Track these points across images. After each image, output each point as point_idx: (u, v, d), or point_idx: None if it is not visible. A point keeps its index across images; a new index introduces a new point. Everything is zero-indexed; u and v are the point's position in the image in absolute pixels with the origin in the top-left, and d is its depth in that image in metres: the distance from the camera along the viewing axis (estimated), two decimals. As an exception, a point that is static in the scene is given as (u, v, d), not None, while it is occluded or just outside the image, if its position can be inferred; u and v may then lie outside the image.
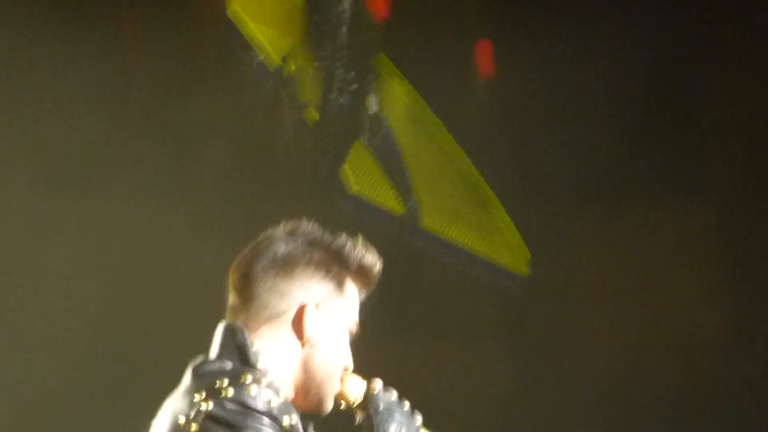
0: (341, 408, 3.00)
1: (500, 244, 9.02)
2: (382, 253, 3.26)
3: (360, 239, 3.04)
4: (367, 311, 3.03)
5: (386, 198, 8.86)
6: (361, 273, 3.02)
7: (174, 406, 2.76)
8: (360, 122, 8.95)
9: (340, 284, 2.97)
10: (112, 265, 7.73)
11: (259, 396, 2.71)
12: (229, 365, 2.78)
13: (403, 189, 9.17)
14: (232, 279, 2.92)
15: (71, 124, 8.08)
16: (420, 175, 9.15)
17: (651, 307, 8.59)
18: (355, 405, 3.01)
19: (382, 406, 3.04)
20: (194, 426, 2.66)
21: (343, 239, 2.97)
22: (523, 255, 8.58)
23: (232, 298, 2.93)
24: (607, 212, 8.90)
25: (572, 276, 8.86)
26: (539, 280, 8.60)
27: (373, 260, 3.01)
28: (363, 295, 3.05)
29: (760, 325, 8.60)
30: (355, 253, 2.98)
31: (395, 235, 8.60)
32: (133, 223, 7.80)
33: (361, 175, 8.70)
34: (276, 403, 2.73)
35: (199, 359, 2.83)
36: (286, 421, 2.73)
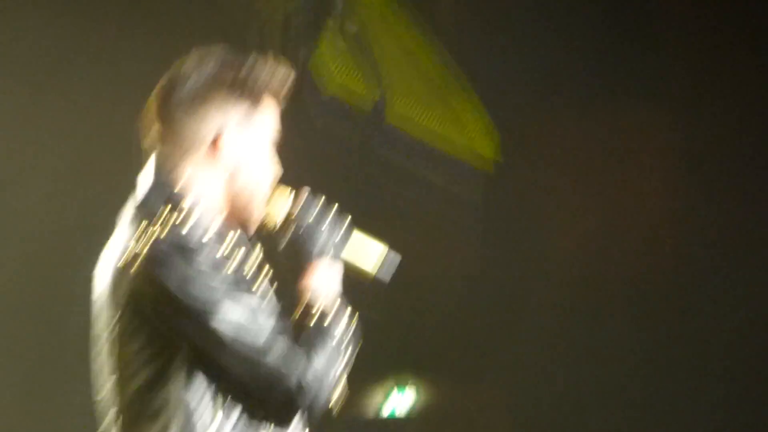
0: (271, 229, 3.53)
1: (470, 131, 10.38)
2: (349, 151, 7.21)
3: (269, 55, 3.61)
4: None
5: (354, 94, 9.96)
6: (275, 86, 3.48)
7: (112, 251, 3.27)
8: (331, 12, 9.95)
9: (255, 101, 3.45)
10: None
11: (192, 231, 3.17)
12: (159, 203, 3.22)
13: (372, 82, 10.17)
14: (151, 112, 3.38)
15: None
16: (390, 68, 10.22)
17: (615, 196, 10.23)
18: (283, 223, 3.51)
19: (309, 210, 3.56)
20: (134, 270, 3.17)
21: (252, 58, 3.47)
22: (494, 141, 10.02)
23: (154, 132, 3.41)
24: (578, 106, 10.36)
25: (540, 166, 10.32)
26: (508, 171, 10.12)
27: (284, 72, 3.49)
28: (281, 106, 3.56)
29: (716, 215, 10.08)
30: (267, 68, 3.47)
31: (361, 134, 9.78)
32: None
33: (330, 71, 9.74)
34: (209, 233, 3.23)
35: (132, 200, 3.34)
36: (220, 249, 3.23)
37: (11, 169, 8.27)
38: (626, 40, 10.54)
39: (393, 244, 3.61)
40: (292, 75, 3.49)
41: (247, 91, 3.37)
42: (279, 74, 3.42)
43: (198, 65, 3.35)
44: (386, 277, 3.58)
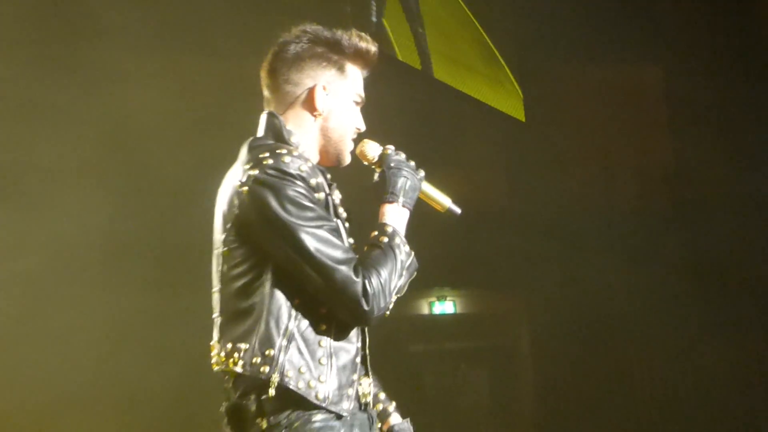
0: (365, 164, 4.24)
1: (500, 92, 12.03)
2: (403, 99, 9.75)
3: (354, 30, 4.26)
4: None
5: (409, 56, 11.36)
6: (357, 56, 4.20)
7: (231, 176, 3.99)
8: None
9: (341, 68, 4.18)
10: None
11: (293, 163, 3.86)
12: (270, 142, 4.00)
13: (421, 47, 11.59)
14: (262, 78, 4.19)
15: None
16: (439, 37, 11.75)
17: (613, 140, 12.78)
18: (373, 163, 4.22)
19: (393, 164, 4.21)
20: (245, 188, 3.89)
21: (339, 33, 4.17)
22: (519, 99, 11.82)
23: (264, 93, 4.22)
24: (586, 70, 12.89)
25: (557, 117, 12.31)
26: (531, 120, 12.12)
27: (366, 45, 4.22)
28: (365, 73, 4.27)
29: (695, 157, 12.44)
30: (351, 41, 4.18)
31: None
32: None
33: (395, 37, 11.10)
34: (305, 167, 3.87)
35: (249, 139, 4.08)
36: (312, 181, 3.88)
37: (159, 121, 9.23)
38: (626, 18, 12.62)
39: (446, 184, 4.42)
40: (373, 48, 4.23)
41: (334, 59, 4.12)
42: (361, 46, 4.15)
43: (298, 37, 4.09)
44: (456, 211, 4.29)
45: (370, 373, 4.22)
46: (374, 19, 10.98)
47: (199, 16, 9.79)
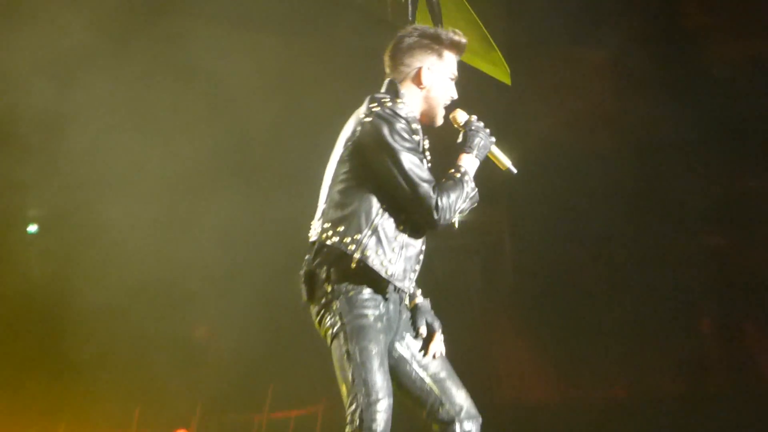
0: (455, 126, 5.38)
1: (494, 66, 12.66)
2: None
3: (450, 28, 5.39)
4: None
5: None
6: (452, 46, 5.35)
7: (355, 116, 5.10)
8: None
9: (440, 54, 5.32)
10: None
11: (404, 109, 5.04)
12: (388, 95, 5.12)
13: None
14: (384, 61, 5.35)
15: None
16: (450, 23, 11.88)
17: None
18: (460, 125, 5.34)
19: (474, 127, 5.31)
20: (367, 119, 5.02)
21: (439, 29, 5.29)
22: (507, 72, 12.26)
23: (387, 66, 5.35)
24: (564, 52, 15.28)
25: (536, 81, 14.62)
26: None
27: (458, 38, 5.31)
28: (457, 57, 5.38)
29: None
30: (447, 35, 5.30)
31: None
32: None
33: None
34: (411, 115, 5.06)
35: (372, 94, 5.14)
36: (414, 125, 5.05)
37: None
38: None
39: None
40: (463, 40, 5.37)
41: (435, 47, 5.29)
42: (454, 39, 5.30)
43: (410, 33, 5.28)
44: (515, 173, 5.41)
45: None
46: (411, 18, 12.28)
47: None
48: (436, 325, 5.38)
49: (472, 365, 13.43)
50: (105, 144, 11.83)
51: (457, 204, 5.04)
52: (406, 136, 5.00)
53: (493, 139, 5.35)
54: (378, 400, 4.92)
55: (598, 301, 14.70)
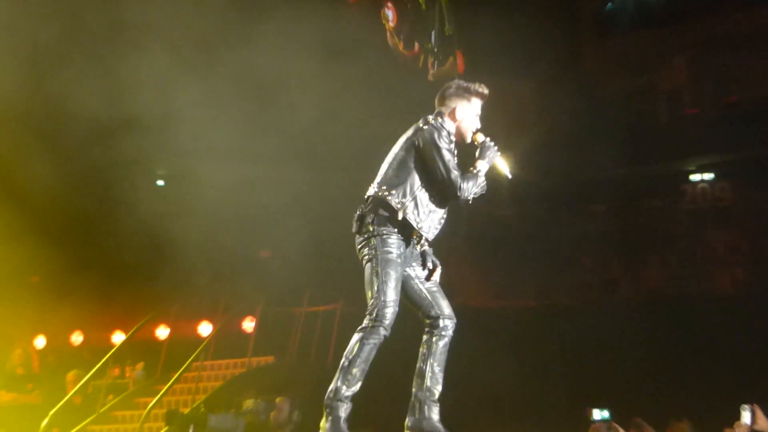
0: (474, 143, 5.74)
1: None
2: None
3: (478, 83, 5.81)
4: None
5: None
6: (477, 95, 5.81)
7: (414, 126, 5.70)
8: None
9: (469, 99, 5.79)
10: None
11: (444, 125, 5.69)
12: (436, 118, 5.71)
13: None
14: (436, 100, 5.79)
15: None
16: None
17: None
18: (479, 143, 5.71)
19: (486, 144, 5.70)
20: (425, 126, 5.66)
21: (471, 83, 5.78)
22: None
23: (437, 103, 5.83)
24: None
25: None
26: None
27: (482, 90, 5.80)
28: (483, 103, 5.80)
29: None
30: (475, 88, 5.80)
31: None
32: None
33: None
34: (447, 131, 5.67)
35: (428, 115, 5.70)
36: (452, 138, 5.68)
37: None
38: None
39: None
40: (486, 91, 5.85)
41: (466, 96, 5.81)
42: (480, 90, 5.82)
43: (452, 84, 5.84)
44: (510, 177, 5.87)
45: None
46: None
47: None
48: (437, 263, 5.77)
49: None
50: (205, 130, 12.88)
51: (472, 189, 5.63)
52: (447, 141, 5.65)
53: (499, 153, 5.81)
54: (388, 305, 5.48)
55: (521, 245, 16.85)
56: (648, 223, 18.75)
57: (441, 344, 5.62)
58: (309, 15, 11.99)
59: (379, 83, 12.24)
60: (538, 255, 16.35)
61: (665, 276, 17.10)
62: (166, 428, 10.98)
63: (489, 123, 14.64)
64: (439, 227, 5.70)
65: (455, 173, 5.52)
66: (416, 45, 13.64)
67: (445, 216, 5.70)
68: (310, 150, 13.75)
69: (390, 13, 13.50)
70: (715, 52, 19.26)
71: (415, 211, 5.51)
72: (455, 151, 5.67)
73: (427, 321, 5.67)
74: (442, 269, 5.70)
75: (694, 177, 19.52)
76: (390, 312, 5.42)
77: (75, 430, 13.02)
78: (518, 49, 16.19)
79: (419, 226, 5.50)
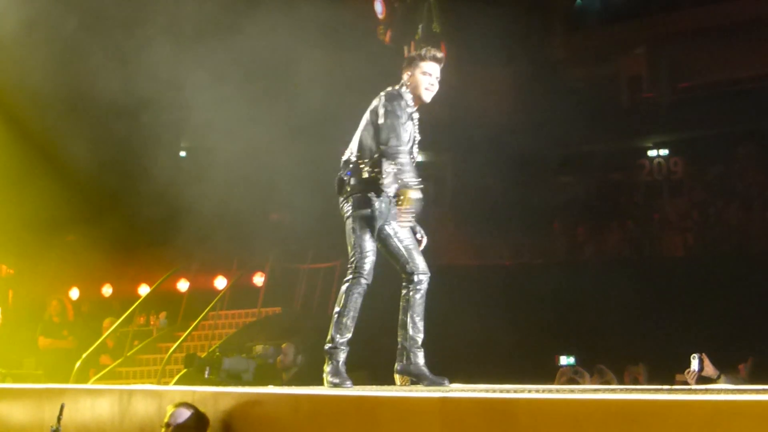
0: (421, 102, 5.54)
1: None
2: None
3: (428, 48, 5.63)
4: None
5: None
6: (428, 59, 5.56)
7: (378, 96, 5.50)
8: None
9: (420, 65, 5.55)
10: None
11: (402, 93, 5.49)
12: (400, 86, 5.50)
13: None
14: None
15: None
16: None
17: None
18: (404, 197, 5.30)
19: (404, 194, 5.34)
20: (381, 95, 5.45)
21: (421, 50, 5.61)
22: None
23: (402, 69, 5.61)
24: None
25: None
26: None
27: (432, 53, 5.58)
28: (434, 64, 5.54)
29: None
30: (424, 53, 5.60)
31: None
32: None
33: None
34: (407, 96, 5.48)
35: (391, 87, 5.47)
36: (402, 104, 5.43)
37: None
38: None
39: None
40: (440, 54, 5.63)
41: (418, 60, 5.58)
42: (428, 53, 5.58)
43: (407, 55, 5.69)
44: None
45: None
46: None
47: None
48: (423, 234, 5.68)
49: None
50: (222, 109, 12.69)
51: (401, 157, 5.39)
52: (396, 108, 5.48)
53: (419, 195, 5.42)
54: (365, 256, 5.43)
55: (499, 212, 16.83)
56: (610, 193, 18.99)
57: (417, 297, 5.52)
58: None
59: (382, 63, 11.83)
60: (514, 220, 16.42)
61: (625, 240, 17.25)
62: (185, 370, 10.97)
63: (470, 105, 15.73)
64: (399, 183, 5.42)
65: (393, 139, 5.34)
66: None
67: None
68: (316, 124, 13.48)
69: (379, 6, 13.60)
70: (671, 43, 19.60)
71: (379, 171, 5.36)
72: (415, 118, 5.54)
73: (404, 276, 5.56)
74: (428, 236, 5.60)
75: (651, 153, 19.77)
76: (367, 262, 5.36)
77: (106, 369, 13.11)
78: (496, 41, 16.17)
79: (382, 183, 5.34)
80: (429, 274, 5.56)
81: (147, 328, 14.75)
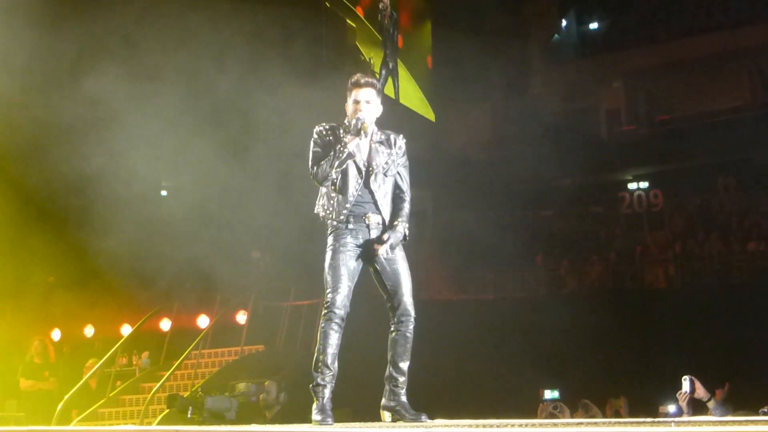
0: (357, 128, 5.30)
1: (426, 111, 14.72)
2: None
3: (359, 74, 5.52)
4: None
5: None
6: (352, 86, 5.47)
7: None
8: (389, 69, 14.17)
9: (350, 91, 5.49)
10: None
11: (332, 123, 5.49)
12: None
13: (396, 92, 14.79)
14: None
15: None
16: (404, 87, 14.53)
17: None
18: (363, 128, 5.35)
19: (357, 123, 5.37)
20: None
21: (356, 76, 5.49)
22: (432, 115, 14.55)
23: None
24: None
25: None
26: None
27: (354, 79, 5.48)
28: (362, 90, 5.43)
29: None
30: (350, 81, 5.49)
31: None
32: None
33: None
34: (325, 127, 5.47)
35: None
36: (323, 132, 5.43)
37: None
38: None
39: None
40: (360, 79, 5.53)
41: (348, 87, 5.52)
42: (352, 80, 5.50)
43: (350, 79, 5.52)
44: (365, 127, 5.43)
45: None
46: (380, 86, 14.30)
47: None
48: (384, 239, 5.36)
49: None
50: (201, 148, 12.85)
51: (326, 169, 5.32)
52: (316, 139, 5.46)
53: (360, 123, 5.44)
54: (334, 290, 5.23)
55: (480, 246, 16.76)
56: (591, 225, 19.15)
57: (398, 337, 5.41)
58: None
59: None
60: (495, 254, 16.47)
61: (607, 272, 17.37)
62: (168, 410, 10.96)
63: (449, 141, 16.95)
64: (351, 205, 5.33)
65: (311, 164, 5.30)
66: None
67: (355, 193, 5.34)
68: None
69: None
70: (649, 77, 19.91)
71: (325, 205, 5.33)
72: (345, 141, 5.37)
73: (391, 312, 5.44)
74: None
75: (631, 185, 19.97)
76: (337, 296, 5.20)
77: (88, 411, 13.01)
78: (474, 77, 16.57)
79: (330, 215, 5.28)
80: (411, 315, 5.41)
81: (129, 368, 14.73)
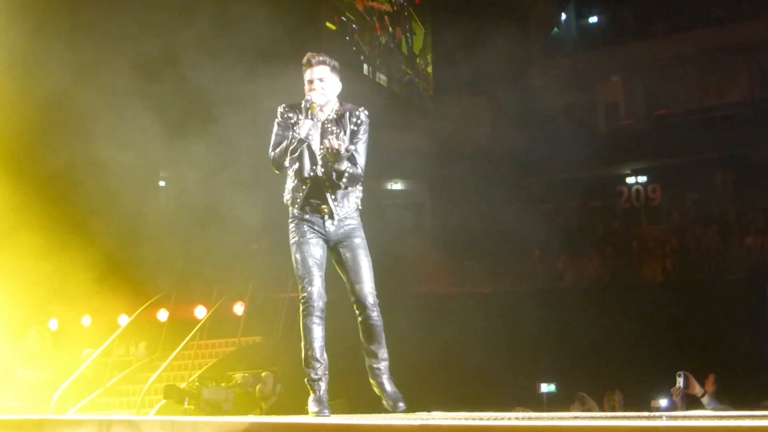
0: (308, 112, 4.98)
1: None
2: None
3: (310, 53, 5.20)
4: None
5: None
6: (304, 66, 5.21)
7: None
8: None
9: (303, 71, 5.23)
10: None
11: (293, 104, 5.18)
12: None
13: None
14: None
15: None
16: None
17: None
18: (311, 109, 5.01)
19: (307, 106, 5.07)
20: None
21: (306, 55, 5.18)
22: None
23: None
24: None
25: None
26: None
27: (311, 57, 5.19)
28: (312, 69, 5.16)
29: None
30: (307, 58, 5.22)
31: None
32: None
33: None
34: (286, 108, 5.18)
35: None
36: (283, 111, 5.17)
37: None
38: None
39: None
40: (312, 59, 5.22)
41: (304, 64, 5.24)
42: (304, 60, 5.22)
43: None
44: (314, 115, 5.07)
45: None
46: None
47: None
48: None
49: (405, 269, 15.76)
50: (199, 140, 12.75)
51: (280, 154, 5.06)
52: (277, 120, 5.21)
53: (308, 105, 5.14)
54: (303, 280, 5.08)
55: (479, 240, 17.01)
56: (589, 220, 19.05)
57: (363, 327, 5.25)
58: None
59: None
60: (494, 248, 16.43)
61: (604, 266, 17.32)
62: (165, 400, 10.89)
63: (448, 134, 17.00)
64: (304, 193, 5.10)
65: (270, 149, 5.05)
66: None
67: (308, 180, 5.10)
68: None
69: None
70: (647, 71, 19.86)
71: (286, 191, 5.16)
72: (320, 117, 5.15)
73: (351, 299, 5.25)
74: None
75: (630, 180, 19.95)
76: (312, 289, 5.04)
77: (86, 400, 13.00)
78: (473, 71, 16.24)
79: (289, 201, 5.12)
80: (368, 302, 5.19)
81: (127, 358, 14.68)
